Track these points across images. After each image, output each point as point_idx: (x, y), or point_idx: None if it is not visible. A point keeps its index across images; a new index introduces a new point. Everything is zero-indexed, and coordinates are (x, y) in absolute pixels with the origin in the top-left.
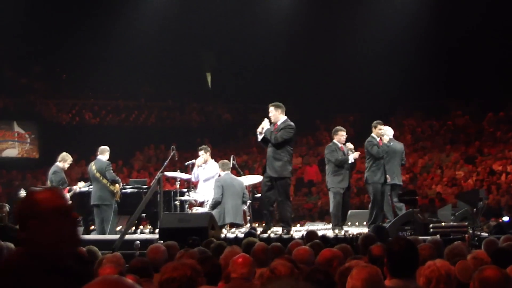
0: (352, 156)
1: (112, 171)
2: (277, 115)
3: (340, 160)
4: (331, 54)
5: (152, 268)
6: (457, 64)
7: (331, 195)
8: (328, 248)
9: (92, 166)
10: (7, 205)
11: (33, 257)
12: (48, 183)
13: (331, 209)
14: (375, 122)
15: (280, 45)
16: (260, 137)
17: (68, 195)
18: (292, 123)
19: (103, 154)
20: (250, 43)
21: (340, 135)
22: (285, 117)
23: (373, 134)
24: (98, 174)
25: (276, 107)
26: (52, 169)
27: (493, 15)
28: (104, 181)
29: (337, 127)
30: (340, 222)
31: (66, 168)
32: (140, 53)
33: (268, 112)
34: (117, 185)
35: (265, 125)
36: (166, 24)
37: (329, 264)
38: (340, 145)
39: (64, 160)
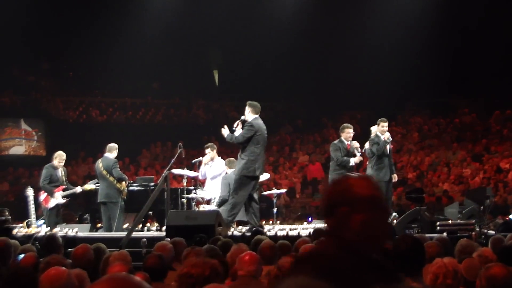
0: (353, 160)
1: (118, 169)
2: (247, 113)
3: (341, 161)
4: (338, 52)
5: (167, 267)
6: (464, 61)
7: None
8: None
9: (99, 164)
10: (7, 209)
11: (345, 250)
12: None
13: None
14: (379, 119)
15: (287, 42)
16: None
17: (62, 193)
18: (254, 122)
19: (111, 152)
20: (257, 40)
21: (347, 133)
22: (254, 116)
23: (377, 132)
24: (105, 172)
25: (248, 105)
26: (45, 165)
27: (499, 12)
28: (111, 178)
29: (345, 124)
30: None
31: (59, 166)
32: (147, 50)
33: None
34: (123, 183)
35: (224, 132)
36: (173, 21)
37: None
38: (347, 142)
39: (55, 158)
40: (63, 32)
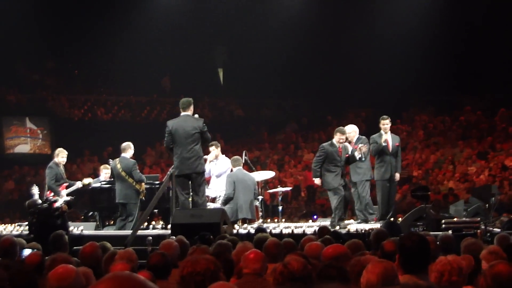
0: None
1: (138, 171)
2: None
3: (313, 170)
4: (343, 50)
5: (171, 265)
6: (470, 59)
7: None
8: (336, 244)
9: (117, 165)
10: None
11: None
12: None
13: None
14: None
15: (292, 40)
16: None
17: (66, 191)
18: (168, 123)
19: (127, 152)
20: (262, 38)
21: (339, 137)
22: (182, 113)
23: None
24: (123, 173)
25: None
26: (48, 165)
27: (505, 8)
28: (130, 180)
29: (340, 128)
30: (337, 221)
31: (61, 163)
32: (152, 49)
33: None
34: (142, 183)
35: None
36: (179, 20)
37: (336, 259)
38: (338, 145)
39: (56, 155)
40: (68, 30)
